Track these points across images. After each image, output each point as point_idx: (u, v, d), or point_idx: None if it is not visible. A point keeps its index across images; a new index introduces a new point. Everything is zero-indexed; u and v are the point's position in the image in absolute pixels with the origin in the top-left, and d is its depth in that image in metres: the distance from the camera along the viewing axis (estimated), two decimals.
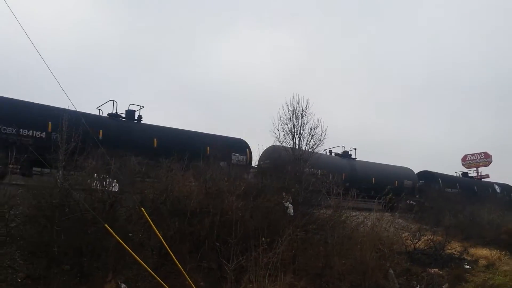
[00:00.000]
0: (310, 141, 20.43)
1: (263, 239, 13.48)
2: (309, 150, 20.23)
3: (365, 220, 19.54)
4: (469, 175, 44.70)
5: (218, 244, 13.58)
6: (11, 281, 12.53)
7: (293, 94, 20.78)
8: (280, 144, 20.90)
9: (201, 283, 15.31)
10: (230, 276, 12.89)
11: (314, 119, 20.61)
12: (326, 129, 20.57)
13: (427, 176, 36.81)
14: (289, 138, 20.38)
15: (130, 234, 15.25)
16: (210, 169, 16.27)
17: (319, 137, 20.52)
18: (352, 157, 33.57)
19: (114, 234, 10.85)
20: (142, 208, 11.68)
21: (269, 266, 13.01)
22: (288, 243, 14.57)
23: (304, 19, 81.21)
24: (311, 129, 20.44)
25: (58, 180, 12.95)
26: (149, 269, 11.52)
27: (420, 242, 21.68)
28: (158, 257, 15.11)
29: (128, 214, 14.53)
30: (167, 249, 12.38)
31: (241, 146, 26.74)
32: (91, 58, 59.91)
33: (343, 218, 18.71)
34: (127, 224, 14.30)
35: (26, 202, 14.46)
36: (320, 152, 24.85)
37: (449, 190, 35.73)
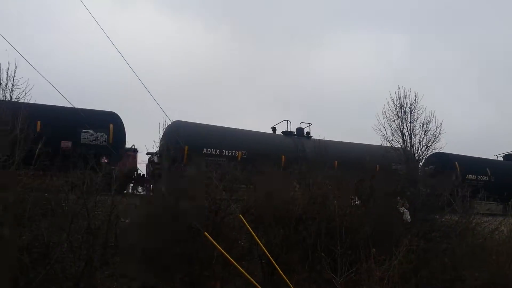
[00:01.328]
0: (423, 138, 18.36)
1: (374, 249, 12.08)
2: (422, 148, 18.11)
3: (499, 226, 16.79)
4: None
5: (323, 254, 12.53)
6: None
7: (399, 87, 18.97)
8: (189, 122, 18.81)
9: None
10: None
11: (425, 113, 18.57)
12: (441, 124, 18.32)
13: (439, 160, 25.32)
14: (398, 136, 18.50)
15: (240, 242, 15.14)
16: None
17: (434, 133, 18.33)
18: (306, 135, 24.78)
19: (214, 242, 10.52)
20: (241, 216, 11.20)
21: (385, 281, 11.56)
22: (406, 254, 12.92)
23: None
24: (423, 124, 18.37)
25: (163, 188, 13.13)
26: (252, 280, 10.95)
27: None
28: (267, 266, 14.64)
29: (232, 221, 14.27)
30: (271, 259, 11.82)
31: (100, 121, 18.99)
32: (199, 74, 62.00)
33: (472, 224, 16.27)
34: (231, 232, 14.06)
35: (140, 211, 15.15)
36: None
37: (472, 177, 25.63)
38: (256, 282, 11.33)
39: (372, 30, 72.25)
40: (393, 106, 18.82)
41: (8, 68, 12.39)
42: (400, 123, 18.37)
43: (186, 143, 18.95)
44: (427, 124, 18.37)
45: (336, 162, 20.14)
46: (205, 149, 19.89)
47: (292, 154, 21.61)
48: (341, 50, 67.81)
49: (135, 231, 14.29)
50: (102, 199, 12.93)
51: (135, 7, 62.79)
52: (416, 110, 18.58)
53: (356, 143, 25.62)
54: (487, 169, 26.72)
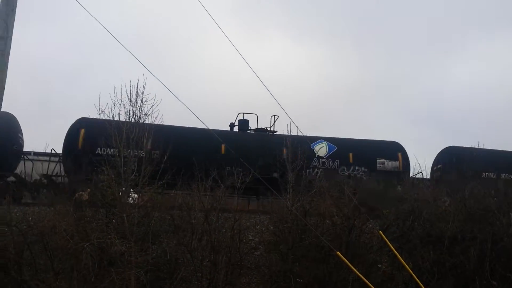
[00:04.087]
0: None
1: None
2: None
3: None
4: None
5: (495, 283, 9.80)
6: None
7: None
8: None
9: None
10: None
11: None
12: None
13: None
14: None
15: (379, 266, 13.15)
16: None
17: None
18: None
19: (349, 263, 8.78)
20: (381, 232, 9.27)
21: None
22: None
23: None
24: None
25: (288, 203, 11.84)
26: None
27: None
28: None
29: (369, 240, 12.32)
30: (421, 287, 9.58)
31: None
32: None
33: None
34: (369, 253, 12.12)
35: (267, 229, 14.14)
36: None
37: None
38: None
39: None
40: None
41: (137, 84, 12.22)
42: None
43: None
44: None
45: None
46: None
47: None
48: (480, 54, 59.81)
49: (259, 250, 13.28)
50: (225, 215, 12.15)
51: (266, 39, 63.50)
52: None
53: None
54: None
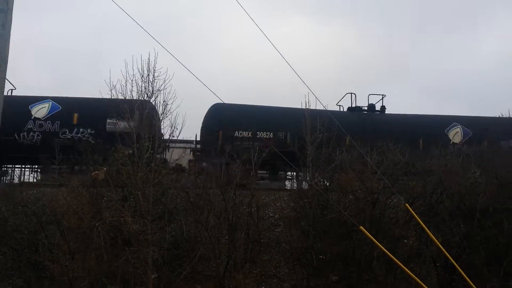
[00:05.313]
0: None
1: None
2: None
3: None
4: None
5: None
6: None
7: None
8: None
9: None
10: None
11: None
12: None
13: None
14: None
15: (405, 241, 12.67)
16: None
17: None
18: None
19: (373, 239, 8.28)
20: (407, 205, 8.73)
21: None
22: None
23: None
24: None
25: (308, 178, 11.38)
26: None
27: None
28: (444, 270, 11.81)
29: (394, 215, 11.80)
30: (452, 262, 9.06)
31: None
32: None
33: None
34: (394, 228, 11.60)
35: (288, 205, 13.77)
36: None
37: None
38: None
39: None
40: None
41: (148, 59, 11.75)
42: None
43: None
44: None
45: None
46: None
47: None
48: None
49: (280, 227, 12.93)
50: (242, 192, 11.80)
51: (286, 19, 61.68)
52: None
53: None
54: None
